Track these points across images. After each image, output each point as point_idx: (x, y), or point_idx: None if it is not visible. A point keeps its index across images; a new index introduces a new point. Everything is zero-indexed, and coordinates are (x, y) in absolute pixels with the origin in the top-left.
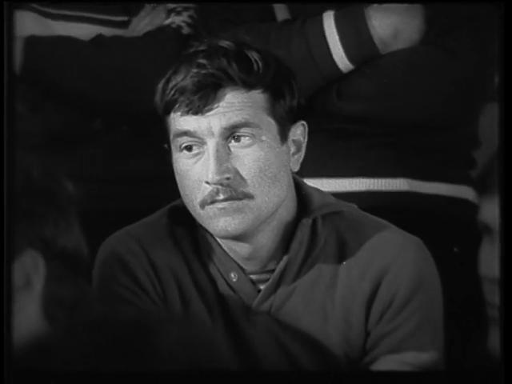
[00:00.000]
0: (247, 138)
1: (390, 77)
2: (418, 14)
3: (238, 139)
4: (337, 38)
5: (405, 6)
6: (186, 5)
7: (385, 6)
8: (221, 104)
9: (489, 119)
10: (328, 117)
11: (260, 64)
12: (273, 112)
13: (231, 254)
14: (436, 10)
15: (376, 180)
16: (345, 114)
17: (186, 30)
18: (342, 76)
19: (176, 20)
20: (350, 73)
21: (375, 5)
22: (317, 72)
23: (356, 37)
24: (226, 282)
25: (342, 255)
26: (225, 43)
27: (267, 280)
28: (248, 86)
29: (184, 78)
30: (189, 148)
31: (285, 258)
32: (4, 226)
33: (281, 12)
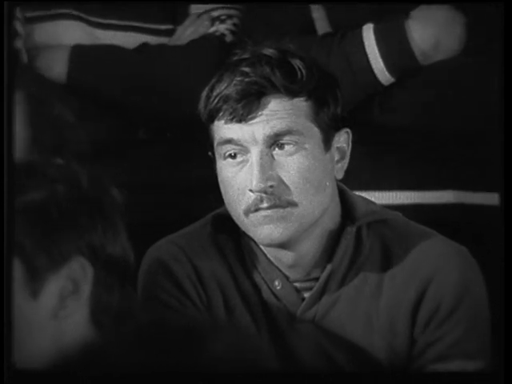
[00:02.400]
0: (291, 145)
1: (432, 88)
2: (459, 23)
3: (281, 147)
4: (376, 51)
5: (445, 16)
6: (230, 12)
7: (424, 16)
8: (264, 112)
9: None
10: (370, 129)
11: (303, 72)
12: (316, 119)
13: (275, 262)
14: (478, 19)
15: (421, 193)
16: (387, 127)
17: (229, 38)
18: (383, 88)
19: (220, 28)
20: (391, 85)
21: (415, 15)
22: (357, 85)
23: (396, 50)
24: (270, 289)
25: (387, 263)
26: (268, 51)
27: (311, 288)
28: (291, 93)
29: (228, 86)
30: (233, 156)
31: (329, 266)
32: (4, 226)
33: (321, 25)
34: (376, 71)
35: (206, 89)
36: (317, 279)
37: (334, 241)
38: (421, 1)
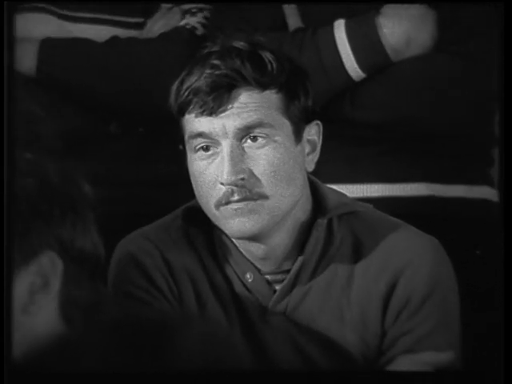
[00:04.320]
0: (262, 138)
1: (402, 84)
2: (430, 20)
3: (253, 139)
4: (348, 47)
5: (416, 12)
6: (200, 6)
7: (395, 13)
8: (235, 105)
9: None
10: (342, 124)
11: (274, 64)
12: (287, 112)
13: (246, 255)
14: (449, 15)
15: (393, 185)
16: (358, 121)
17: (200, 31)
18: (354, 84)
19: (190, 21)
20: (362, 81)
21: (386, 12)
22: (328, 81)
23: (367, 46)
24: (242, 282)
25: (357, 255)
26: (238, 44)
27: (283, 280)
28: (262, 86)
29: (198, 79)
30: (205, 148)
31: (300, 259)
32: (4, 229)
33: (293, 20)
34: (347, 67)
35: (177, 82)
36: (288, 271)
37: (305, 233)
38: (420, 0)
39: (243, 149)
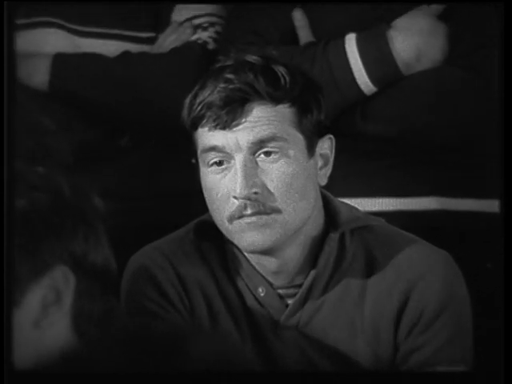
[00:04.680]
0: (275, 152)
1: (413, 98)
2: (441, 34)
3: (268, 154)
4: (359, 61)
5: (427, 26)
6: (212, 20)
7: (406, 27)
8: (248, 119)
9: None
10: (353, 137)
11: (287, 78)
12: (300, 126)
13: (259, 269)
14: (459, 29)
15: (405, 199)
16: (369, 135)
17: (211, 46)
18: (365, 98)
19: (202, 36)
20: (374, 95)
21: (397, 26)
22: (339, 95)
23: (378, 60)
24: (254, 296)
25: (370, 270)
26: (251, 58)
27: (295, 294)
28: (275, 100)
29: (211, 93)
30: (218, 163)
31: (312, 273)
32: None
33: (303, 33)
34: (359, 81)
35: (190, 96)
36: (300, 286)
37: (317, 247)
38: (419, 0)
39: (256, 163)
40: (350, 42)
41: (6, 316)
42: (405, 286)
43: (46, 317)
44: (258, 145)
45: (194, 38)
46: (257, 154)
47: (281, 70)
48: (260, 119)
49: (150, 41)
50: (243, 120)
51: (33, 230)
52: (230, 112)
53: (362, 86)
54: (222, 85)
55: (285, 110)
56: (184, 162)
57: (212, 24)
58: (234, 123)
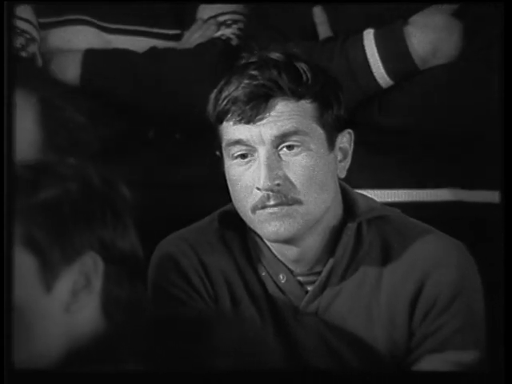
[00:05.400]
0: (297, 145)
1: (429, 92)
2: (456, 30)
3: (290, 148)
4: (377, 56)
5: (442, 23)
6: (235, 17)
7: (423, 23)
8: (271, 113)
9: None
10: (370, 130)
11: (309, 75)
12: (321, 121)
13: (280, 257)
14: (475, 26)
15: (419, 191)
16: (386, 128)
17: (235, 42)
18: (382, 91)
19: (226, 32)
20: (390, 88)
21: (414, 22)
22: (357, 88)
23: (396, 55)
24: (275, 283)
25: (386, 258)
26: (275, 55)
27: (314, 282)
28: (297, 96)
29: (236, 89)
30: (243, 156)
31: (331, 261)
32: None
33: (323, 29)
34: (376, 75)
35: (215, 91)
36: (319, 273)
37: (335, 236)
38: (423, 0)
39: (279, 156)
40: (368, 37)
41: (6, 316)
42: (420, 274)
43: (77, 301)
44: (281, 138)
45: (217, 34)
46: (279, 148)
47: (303, 67)
48: (283, 114)
49: (177, 37)
50: (267, 115)
51: (64, 218)
52: (254, 107)
53: (380, 80)
54: (247, 81)
55: (306, 106)
56: (208, 155)
57: (235, 21)
58: (257, 118)
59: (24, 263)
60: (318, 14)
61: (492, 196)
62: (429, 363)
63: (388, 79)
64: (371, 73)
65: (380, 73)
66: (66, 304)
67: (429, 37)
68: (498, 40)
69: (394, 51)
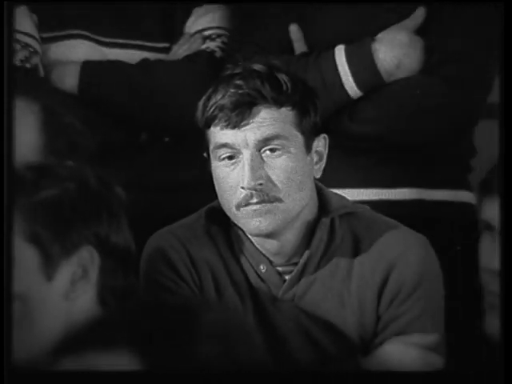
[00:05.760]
0: (278, 149)
1: (394, 102)
2: (418, 46)
3: (273, 150)
4: (347, 69)
5: (406, 39)
6: (219, 32)
7: (388, 39)
8: (255, 119)
9: (483, 132)
10: (342, 136)
11: (289, 85)
12: (300, 127)
13: (261, 249)
14: (434, 41)
15: (386, 190)
16: (356, 134)
17: (218, 54)
18: (352, 101)
19: (211, 45)
20: (359, 98)
21: (380, 38)
22: (329, 99)
23: (364, 68)
24: (256, 272)
25: (356, 250)
26: (258, 66)
27: (292, 271)
28: (279, 103)
29: (223, 97)
30: (229, 158)
31: (307, 253)
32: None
33: (298, 45)
34: (346, 87)
35: (203, 98)
36: (296, 264)
37: (311, 231)
38: (419, 1)
39: (262, 158)
40: (339, 53)
41: (6, 318)
42: (386, 265)
43: (75, 290)
44: (264, 142)
45: (203, 47)
46: (262, 151)
47: (283, 77)
48: (265, 120)
49: (166, 50)
50: (251, 121)
51: (63, 215)
52: (239, 114)
53: (349, 91)
54: (233, 90)
55: (287, 113)
56: (193, 156)
57: (219, 35)
58: (242, 123)
59: (27, 256)
60: (295, 31)
61: (449, 195)
62: (393, 344)
63: (357, 90)
64: (342, 85)
65: (350, 85)
66: (65, 292)
67: (393, 52)
68: (456, 55)
69: (363, 65)
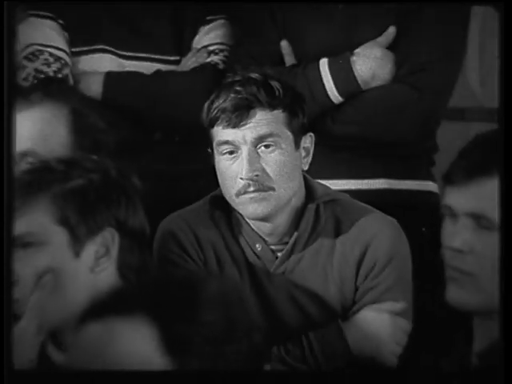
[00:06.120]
0: (272, 145)
1: (370, 106)
2: (390, 60)
3: (267, 146)
4: (330, 79)
5: (379, 54)
6: (222, 47)
7: (365, 54)
8: (252, 120)
9: (444, 132)
10: (325, 135)
11: (281, 91)
12: (290, 126)
13: (257, 231)
14: (403, 55)
15: (362, 180)
16: (338, 134)
17: (221, 66)
18: (334, 105)
19: (214, 59)
20: (340, 104)
21: (358, 53)
22: (315, 103)
23: (344, 78)
24: (253, 250)
25: (338, 231)
26: (254, 75)
27: (283, 249)
28: (272, 107)
29: (224, 101)
30: (230, 153)
31: (296, 234)
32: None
33: (288, 59)
34: (329, 93)
35: (207, 102)
36: (287, 243)
37: (299, 215)
38: (420, 1)
39: (258, 153)
40: (323, 65)
41: (6, 319)
42: (363, 244)
43: (99, 265)
44: (259, 140)
45: (208, 60)
46: (258, 147)
47: (276, 84)
48: (261, 121)
49: (176, 62)
50: (248, 121)
51: (89, 202)
52: (238, 115)
53: (332, 97)
54: (233, 95)
55: (279, 114)
56: (200, 152)
57: (221, 50)
58: (241, 123)
59: (58, 236)
60: (285, 46)
61: (416, 184)
62: (369, 311)
63: (338, 96)
64: (325, 91)
65: (332, 92)
66: (91, 267)
67: (369, 64)
68: (422, 66)
69: (343, 75)
